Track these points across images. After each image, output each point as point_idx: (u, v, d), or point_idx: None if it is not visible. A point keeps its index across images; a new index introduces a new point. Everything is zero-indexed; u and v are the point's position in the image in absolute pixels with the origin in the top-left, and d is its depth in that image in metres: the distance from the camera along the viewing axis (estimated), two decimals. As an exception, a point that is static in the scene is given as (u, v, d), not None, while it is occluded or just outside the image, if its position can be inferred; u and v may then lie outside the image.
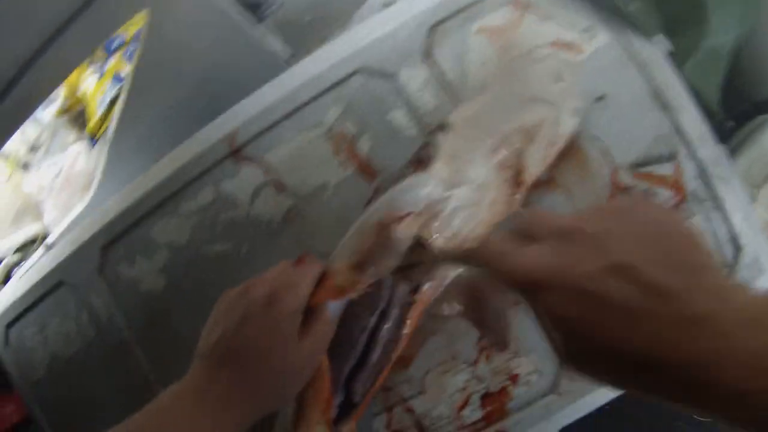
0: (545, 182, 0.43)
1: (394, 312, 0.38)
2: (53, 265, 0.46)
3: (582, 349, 0.23)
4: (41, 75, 0.40)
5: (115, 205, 0.46)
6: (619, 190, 0.44)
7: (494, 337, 0.41)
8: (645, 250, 0.22)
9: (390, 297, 0.38)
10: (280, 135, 0.44)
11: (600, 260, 0.22)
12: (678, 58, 0.49)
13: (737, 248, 0.46)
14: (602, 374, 0.23)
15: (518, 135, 0.37)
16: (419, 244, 0.37)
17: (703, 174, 0.46)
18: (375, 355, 0.38)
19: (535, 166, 0.38)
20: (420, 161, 0.38)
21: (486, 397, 0.43)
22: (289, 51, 0.57)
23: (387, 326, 0.38)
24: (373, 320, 0.38)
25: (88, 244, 0.45)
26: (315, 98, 0.44)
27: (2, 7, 0.36)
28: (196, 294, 0.44)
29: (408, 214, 0.36)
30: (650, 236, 0.23)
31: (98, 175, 0.48)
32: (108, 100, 0.50)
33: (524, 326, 0.43)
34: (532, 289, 0.24)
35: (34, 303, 0.46)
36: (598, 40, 0.46)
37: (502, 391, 0.43)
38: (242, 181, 0.44)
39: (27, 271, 0.48)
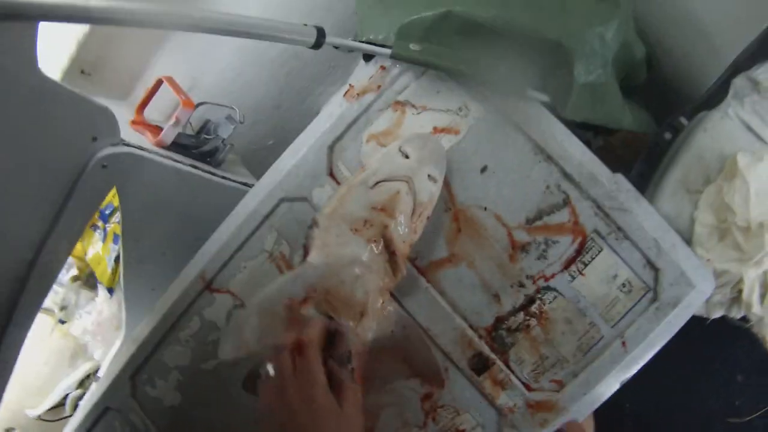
0: (447, 259, 0.49)
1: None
2: (99, 394, 0.60)
3: None
4: (52, 253, 0.55)
5: (134, 341, 0.59)
6: (518, 248, 0.49)
7: (431, 378, 0.48)
8: None
9: None
10: (237, 266, 0.55)
11: None
12: (558, 101, 0.53)
13: (655, 270, 0.49)
14: None
15: (376, 213, 0.45)
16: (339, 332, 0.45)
17: (600, 210, 0.49)
18: None
19: (403, 236, 0.45)
20: (304, 251, 0.47)
21: (440, 455, 0.49)
22: (254, 179, 0.68)
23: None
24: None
25: (121, 374, 0.59)
26: (255, 231, 0.54)
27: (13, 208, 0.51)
28: (205, 402, 0.56)
29: (306, 299, 0.45)
30: None
31: (123, 317, 0.62)
32: (114, 257, 0.65)
33: (457, 387, 0.49)
34: None
35: (91, 427, 0.60)
36: (472, 115, 0.51)
37: (453, 448, 0.49)
38: (218, 308, 0.55)
39: (85, 402, 0.63)
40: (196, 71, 0.66)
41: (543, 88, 0.52)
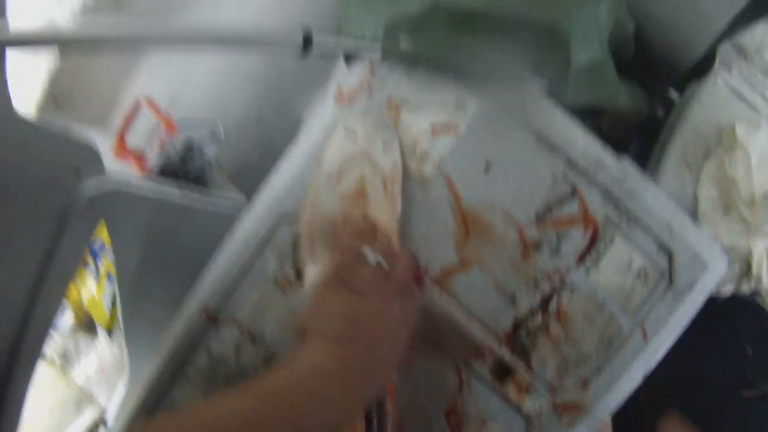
0: (459, 265, 0.48)
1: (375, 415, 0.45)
2: (115, 444, 0.57)
3: None
4: (47, 299, 0.52)
5: (141, 384, 0.56)
6: (530, 246, 0.48)
7: (466, 351, 0.46)
8: None
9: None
10: (241, 294, 0.52)
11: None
12: (556, 86, 0.51)
13: (668, 254, 0.48)
14: None
15: (350, 205, 0.43)
16: None
17: (609, 197, 0.48)
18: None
19: (384, 215, 0.44)
20: (297, 273, 0.46)
21: (472, 468, 0.48)
22: (244, 197, 0.65)
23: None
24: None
25: (132, 422, 0.56)
26: (256, 255, 0.51)
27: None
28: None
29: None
30: None
31: (125, 360, 0.59)
32: (110, 297, 0.62)
33: (480, 396, 0.48)
34: None
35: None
36: (470, 110, 0.49)
37: (485, 458, 0.48)
38: (225, 341, 0.52)
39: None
40: (173, 91, 0.63)
41: (540, 74, 0.50)
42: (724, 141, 0.56)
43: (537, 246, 0.48)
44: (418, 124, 0.50)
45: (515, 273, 0.48)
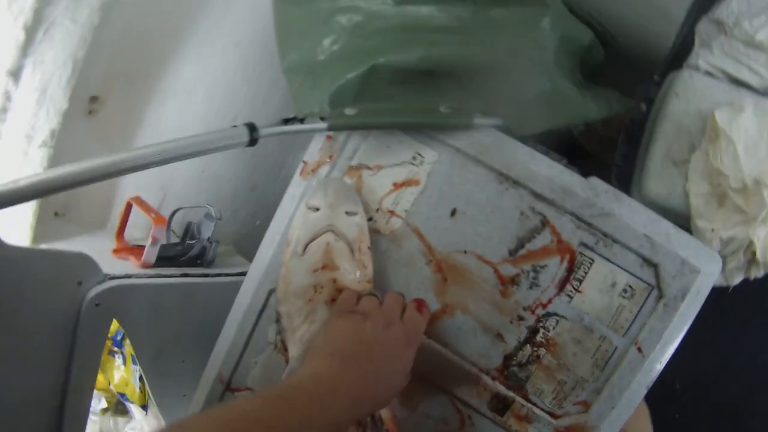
0: (441, 311, 0.49)
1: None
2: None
3: None
4: (77, 394, 0.57)
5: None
6: (507, 283, 0.48)
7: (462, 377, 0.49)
8: None
9: None
10: (248, 363, 0.56)
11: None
12: (513, 120, 0.51)
13: (653, 267, 0.47)
14: None
15: (319, 273, 0.46)
16: None
17: (581, 221, 0.47)
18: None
19: (357, 278, 0.47)
20: (284, 347, 0.49)
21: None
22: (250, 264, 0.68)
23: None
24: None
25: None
26: (255, 326, 0.55)
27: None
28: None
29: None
30: None
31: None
32: (137, 377, 0.68)
33: (484, 430, 0.50)
34: None
35: None
36: (427, 162, 0.50)
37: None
38: (242, 406, 0.57)
39: None
40: (164, 180, 0.67)
41: (494, 111, 0.50)
42: (707, 131, 0.53)
43: (515, 282, 0.48)
44: (380, 183, 0.51)
45: (498, 311, 0.48)
